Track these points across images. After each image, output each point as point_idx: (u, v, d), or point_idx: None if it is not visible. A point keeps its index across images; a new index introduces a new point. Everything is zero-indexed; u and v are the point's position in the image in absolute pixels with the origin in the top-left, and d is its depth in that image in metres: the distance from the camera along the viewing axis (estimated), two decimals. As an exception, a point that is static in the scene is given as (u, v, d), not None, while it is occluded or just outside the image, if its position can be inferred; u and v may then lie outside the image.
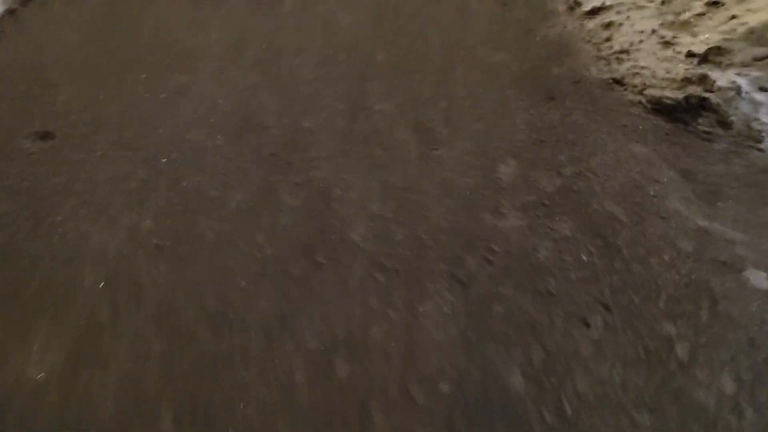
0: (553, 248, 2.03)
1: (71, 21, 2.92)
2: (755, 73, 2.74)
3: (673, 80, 2.88)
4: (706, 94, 2.77)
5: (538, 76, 2.98)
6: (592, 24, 3.48)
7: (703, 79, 2.84)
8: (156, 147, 2.24)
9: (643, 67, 3.02)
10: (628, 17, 3.39)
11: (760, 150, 2.51)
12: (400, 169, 2.30)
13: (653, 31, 3.19)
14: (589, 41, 3.36)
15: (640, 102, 2.87)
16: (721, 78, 2.82)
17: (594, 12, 3.57)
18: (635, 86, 2.94)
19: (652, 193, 2.32)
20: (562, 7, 3.68)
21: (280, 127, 2.44)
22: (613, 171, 2.41)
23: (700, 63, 2.90)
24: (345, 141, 2.42)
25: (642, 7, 3.40)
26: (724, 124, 2.69)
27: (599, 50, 3.26)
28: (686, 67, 2.92)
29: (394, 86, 2.81)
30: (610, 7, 3.54)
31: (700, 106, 2.79)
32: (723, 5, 3.13)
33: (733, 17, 2.99)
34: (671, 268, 2.00)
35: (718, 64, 2.89)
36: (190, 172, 2.13)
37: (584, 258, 2.01)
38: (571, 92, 2.90)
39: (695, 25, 3.15)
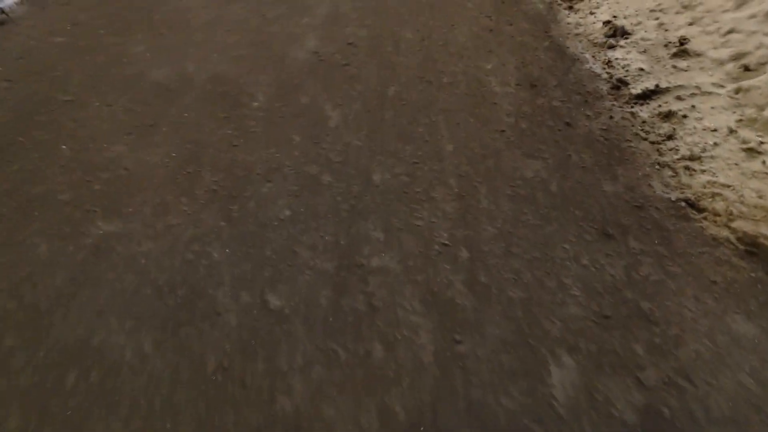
0: None
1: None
2: None
3: (770, 209, 2.19)
4: (822, 235, 2.08)
5: (587, 199, 2.30)
6: (645, 113, 2.82)
7: (813, 211, 2.14)
8: (44, 367, 1.54)
9: (724, 185, 2.34)
10: (693, 106, 2.72)
11: None
12: (409, 387, 1.60)
13: (730, 131, 2.52)
14: (645, 138, 2.69)
15: (727, 240, 2.18)
16: (839, 210, 2.13)
17: (646, 96, 2.92)
18: (718, 215, 2.25)
19: (776, 415, 1.60)
20: (604, 87, 3.02)
21: (237, 311, 1.75)
22: (714, 373, 1.71)
23: (804, 184, 2.21)
24: (329, 332, 1.73)
25: (709, 94, 2.74)
26: None
27: (660, 153, 2.59)
28: (786, 189, 2.23)
29: (398, 225, 2.12)
30: (667, 90, 2.88)
31: (814, 251, 2.09)
32: (824, 101, 2.46)
33: (843, 121, 2.32)
34: None
35: (830, 188, 2.21)
36: (89, 424, 1.41)
37: None
38: (634, 225, 2.21)
39: (787, 126, 2.47)
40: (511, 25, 3.56)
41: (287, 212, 2.18)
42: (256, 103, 2.73)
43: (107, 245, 1.98)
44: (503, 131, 2.71)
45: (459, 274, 2.01)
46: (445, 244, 2.12)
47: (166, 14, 3.35)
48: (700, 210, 2.36)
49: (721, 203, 2.33)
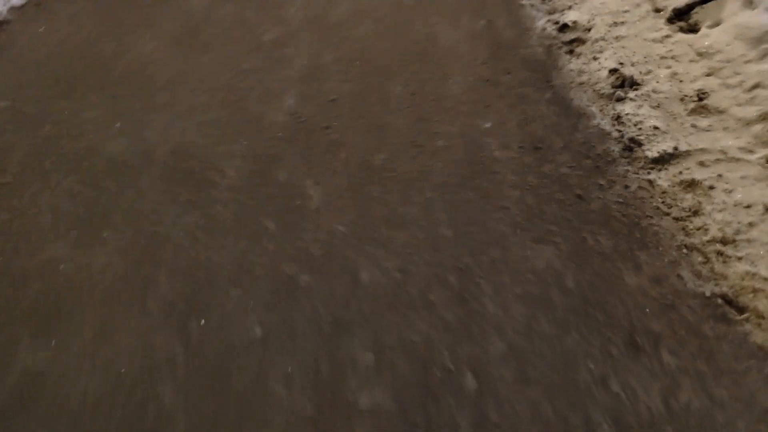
0: None
1: None
2: None
3: (824, 311, 1.86)
4: None
5: (609, 296, 1.97)
6: (665, 181, 2.50)
7: None
8: None
9: (766, 280, 1.99)
10: (719, 176, 2.41)
11: None
12: None
13: (767, 209, 2.18)
14: (667, 213, 2.37)
15: (777, 350, 1.84)
16: None
17: (664, 160, 2.61)
18: (762, 317, 1.93)
19: None
20: (616, 148, 2.71)
21: (191, 485, 1.36)
22: None
23: None
24: None
25: (738, 160, 2.44)
26: None
27: (686, 233, 2.27)
28: (839, 286, 1.90)
29: (390, 343, 1.78)
30: (687, 153, 2.57)
31: None
32: None
33: None
34: None
35: None
36: None
37: None
38: (666, 331, 1.88)
39: (831, 204, 2.16)
40: (509, 73, 3.25)
41: (258, 330, 1.82)
42: (225, 182, 2.37)
43: (32, 387, 1.60)
44: (507, 209, 2.37)
45: (466, 413, 1.65)
46: (448, 369, 1.76)
47: (124, 69, 3.00)
48: (741, 309, 2.03)
49: (765, 302, 2.00)
